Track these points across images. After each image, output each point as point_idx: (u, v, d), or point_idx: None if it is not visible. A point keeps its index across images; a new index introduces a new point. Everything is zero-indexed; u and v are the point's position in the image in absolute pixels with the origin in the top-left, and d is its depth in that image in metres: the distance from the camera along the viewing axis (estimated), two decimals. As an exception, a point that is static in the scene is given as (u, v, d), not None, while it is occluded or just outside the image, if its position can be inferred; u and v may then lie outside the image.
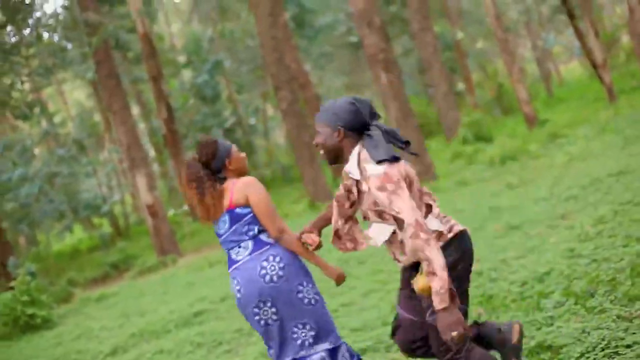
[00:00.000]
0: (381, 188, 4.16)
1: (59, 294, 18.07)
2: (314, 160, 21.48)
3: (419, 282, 4.16)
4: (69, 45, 26.95)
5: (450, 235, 4.33)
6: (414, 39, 30.58)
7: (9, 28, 26.50)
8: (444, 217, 4.43)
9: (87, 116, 39.29)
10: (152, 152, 37.53)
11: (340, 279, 5.07)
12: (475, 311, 6.58)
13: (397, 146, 4.44)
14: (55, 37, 26.06)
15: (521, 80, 24.10)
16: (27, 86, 33.75)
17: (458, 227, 4.40)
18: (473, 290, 7.10)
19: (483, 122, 23.65)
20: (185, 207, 29.67)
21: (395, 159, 4.30)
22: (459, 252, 4.33)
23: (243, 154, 5.16)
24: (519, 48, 49.77)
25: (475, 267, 7.91)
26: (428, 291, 4.11)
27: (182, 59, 37.40)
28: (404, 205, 4.10)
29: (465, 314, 4.35)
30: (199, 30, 38.37)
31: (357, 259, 11.27)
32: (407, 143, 4.43)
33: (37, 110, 29.14)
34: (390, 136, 4.40)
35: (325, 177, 22.47)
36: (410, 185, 4.28)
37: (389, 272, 9.41)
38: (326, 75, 40.96)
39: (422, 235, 4.02)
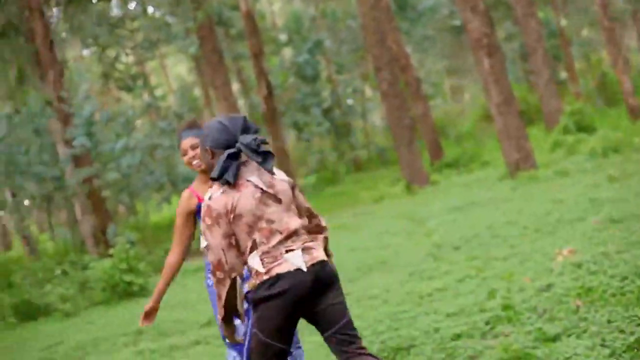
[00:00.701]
0: (202, 219, 4.48)
1: (156, 264, 18.43)
2: (412, 142, 21.42)
3: None
4: (173, 20, 27.34)
5: (265, 277, 4.41)
6: (517, 25, 30.18)
7: (114, 1, 27.00)
8: (275, 257, 4.47)
9: (187, 90, 39.87)
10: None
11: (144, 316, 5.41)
12: (573, 303, 6.50)
13: (254, 160, 4.51)
14: (160, 12, 26.48)
15: (626, 71, 23.60)
16: (130, 59, 34.41)
17: (278, 270, 4.43)
18: (571, 282, 7.03)
19: (585, 112, 23.20)
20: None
21: (227, 182, 4.47)
22: (271, 291, 4.39)
23: (191, 153, 5.42)
24: (624, 38, 48.66)
25: (575, 258, 7.81)
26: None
27: (283, 37, 37.57)
28: (211, 243, 4.44)
29: (281, 353, 4.49)
30: (301, 9, 38.49)
31: (451, 245, 11.23)
32: (265, 156, 4.55)
33: (140, 82, 29.68)
34: (249, 150, 4.51)
35: (422, 161, 22.40)
36: (236, 218, 4.44)
37: (486, 259, 9.35)
38: (427, 58, 40.69)
39: (218, 274, 4.45)
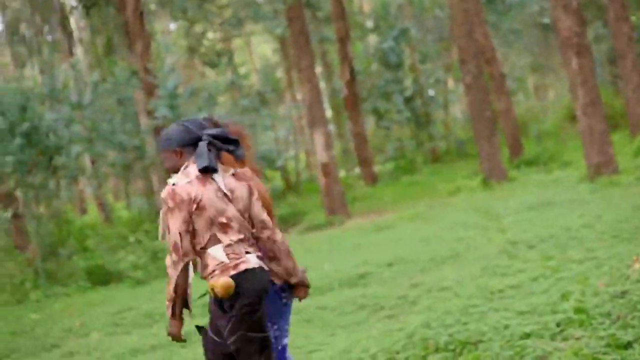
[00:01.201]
0: (164, 201, 4.59)
1: (227, 240, 18.59)
2: (493, 137, 21.23)
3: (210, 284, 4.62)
4: (262, 0, 27.49)
5: (233, 272, 4.56)
6: (607, 27, 29.63)
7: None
8: (238, 254, 4.64)
9: (270, 71, 40.03)
10: (329, 113, 37.90)
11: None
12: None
13: (225, 150, 4.75)
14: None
15: None
16: (217, 35, 34.72)
17: (245, 265, 4.61)
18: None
19: (673, 119, 22.73)
20: (358, 170, 29.89)
21: (206, 170, 4.63)
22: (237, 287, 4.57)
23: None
24: None
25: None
26: (212, 291, 4.57)
27: (369, 23, 37.47)
28: (172, 226, 4.57)
29: (262, 341, 4.64)
30: (389, -4, 38.35)
31: (526, 243, 11.12)
32: (235, 144, 4.77)
33: (224, 59, 29.92)
34: (219, 140, 4.73)
35: (502, 156, 22.19)
36: (200, 209, 4.59)
37: (561, 260, 9.24)
38: (512, 53, 40.24)
39: (173, 256, 4.56)
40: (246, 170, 4.91)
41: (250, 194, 4.79)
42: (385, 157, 34.13)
